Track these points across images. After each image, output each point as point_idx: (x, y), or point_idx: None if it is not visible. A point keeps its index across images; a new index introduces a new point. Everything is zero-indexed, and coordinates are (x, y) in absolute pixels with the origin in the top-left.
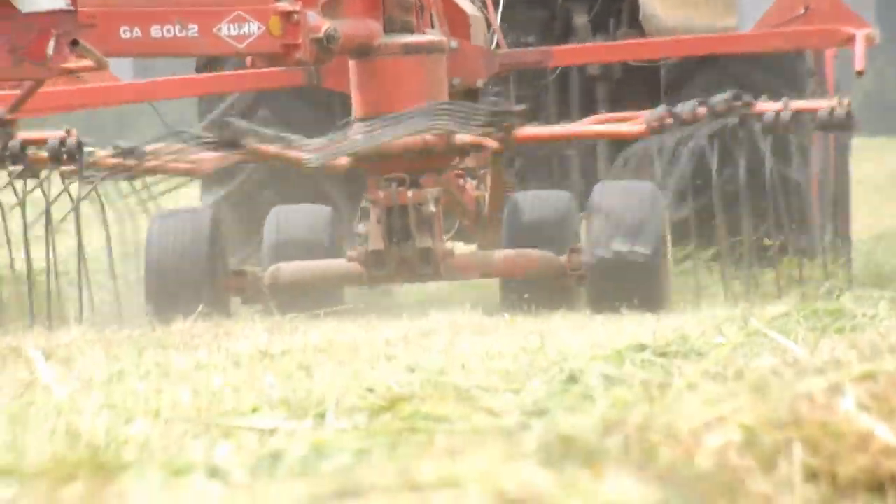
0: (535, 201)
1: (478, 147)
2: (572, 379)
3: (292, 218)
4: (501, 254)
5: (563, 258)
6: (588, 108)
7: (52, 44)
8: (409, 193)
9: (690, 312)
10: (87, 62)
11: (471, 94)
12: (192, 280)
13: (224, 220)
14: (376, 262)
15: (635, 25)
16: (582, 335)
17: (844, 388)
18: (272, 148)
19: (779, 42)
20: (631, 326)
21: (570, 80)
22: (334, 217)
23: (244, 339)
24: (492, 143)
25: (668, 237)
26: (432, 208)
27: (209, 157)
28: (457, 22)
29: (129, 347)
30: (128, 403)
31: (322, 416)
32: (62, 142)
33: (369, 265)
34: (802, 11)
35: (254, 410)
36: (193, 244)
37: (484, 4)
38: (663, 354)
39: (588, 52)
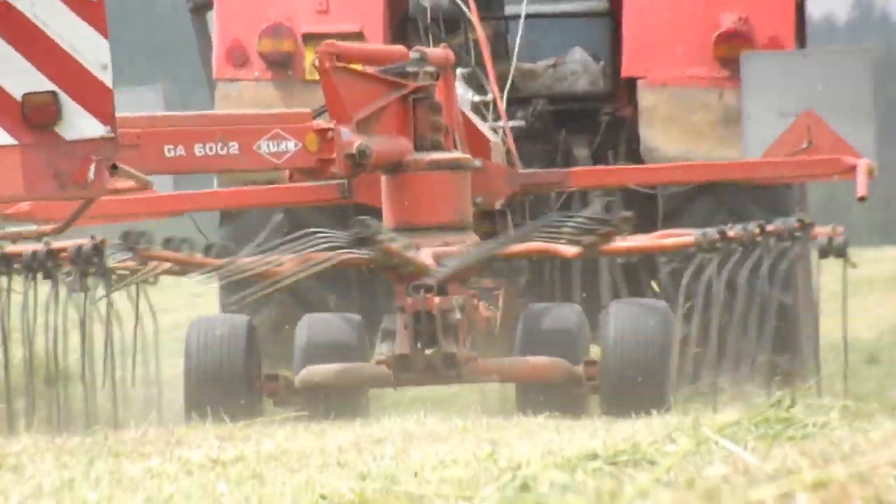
0: (548, 313)
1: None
2: (525, 487)
3: (323, 324)
4: (521, 360)
5: (579, 367)
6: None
7: (92, 168)
8: (437, 300)
9: (642, 420)
10: (131, 182)
11: (491, 215)
12: (229, 383)
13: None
14: (403, 366)
15: (633, 158)
16: (534, 442)
17: (796, 497)
18: (397, 246)
19: (788, 170)
20: (583, 434)
21: (573, 208)
22: (362, 324)
23: (196, 447)
24: (568, 252)
25: (676, 350)
26: (457, 315)
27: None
28: (478, 145)
29: (80, 455)
30: None
31: None
32: (79, 248)
33: (396, 368)
34: (806, 145)
35: None
36: (231, 349)
37: (504, 133)
38: (614, 463)
39: (605, 174)
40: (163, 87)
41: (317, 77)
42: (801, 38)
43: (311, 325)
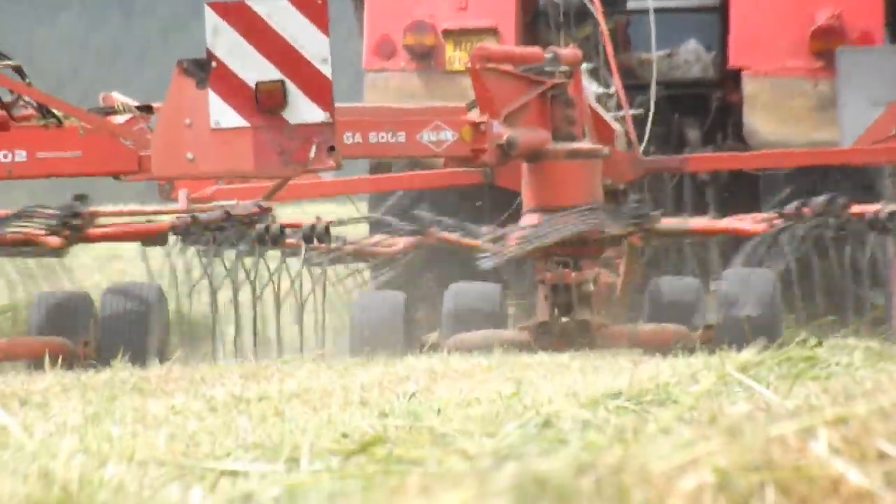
0: (671, 285)
1: (622, 239)
2: (547, 424)
3: (467, 292)
4: (647, 327)
5: (697, 332)
6: (699, 209)
7: (313, 149)
8: (573, 274)
9: (667, 361)
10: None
11: (616, 193)
12: (390, 347)
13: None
14: (543, 332)
15: (740, 139)
16: (558, 382)
17: (817, 432)
18: (454, 236)
19: (879, 157)
20: (607, 375)
21: (685, 186)
22: (502, 292)
23: (220, 385)
24: (635, 237)
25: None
26: (591, 287)
27: (400, 243)
28: (604, 134)
29: (104, 392)
30: (102, 447)
31: (296, 459)
32: (313, 227)
33: (537, 334)
34: (895, 132)
35: (228, 454)
36: (392, 318)
37: (625, 121)
38: (638, 402)
39: (718, 160)
40: None
41: (455, 67)
42: (894, 31)
43: (457, 294)
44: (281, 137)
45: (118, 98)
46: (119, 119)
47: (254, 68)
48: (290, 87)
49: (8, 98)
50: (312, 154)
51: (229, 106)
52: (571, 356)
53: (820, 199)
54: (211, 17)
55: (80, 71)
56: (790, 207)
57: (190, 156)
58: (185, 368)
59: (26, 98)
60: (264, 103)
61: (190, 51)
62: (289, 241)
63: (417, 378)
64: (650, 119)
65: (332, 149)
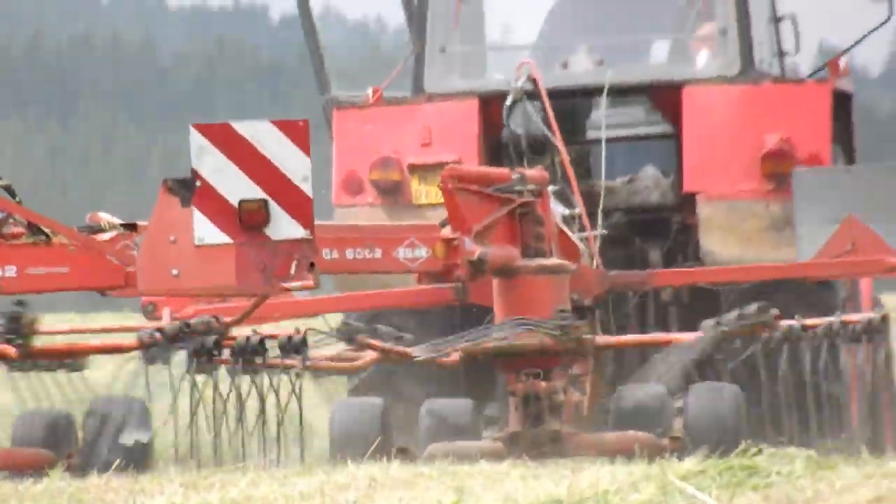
0: (637, 393)
1: (583, 352)
2: None
3: (442, 407)
4: (615, 435)
5: (665, 441)
6: (663, 327)
7: (294, 265)
8: (543, 384)
9: (607, 468)
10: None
11: (583, 309)
12: (367, 454)
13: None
14: (514, 442)
15: (699, 260)
16: (498, 491)
17: None
18: (386, 345)
19: (835, 270)
20: (548, 482)
21: (647, 304)
22: (473, 406)
23: (159, 494)
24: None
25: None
26: (561, 397)
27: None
28: (571, 252)
29: (42, 502)
30: None
31: None
32: (290, 338)
33: (509, 444)
34: (850, 247)
35: None
36: (370, 426)
37: (588, 241)
38: None
39: (679, 276)
40: None
41: (422, 201)
42: (848, 144)
43: (431, 411)
44: (263, 254)
45: (104, 217)
46: (105, 236)
47: (237, 187)
48: (273, 205)
49: None
50: (293, 270)
51: (213, 223)
52: (511, 464)
53: (752, 308)
54: (196, 137)
55: (20, 177)
56: (728, 317)
57: (175, 272)
58: (123, 478)
59: (17, 216)
60: (247, 221)
61: (131, 157)
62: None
63: (358, 486)
64: (597, 241)
65: (312, 265)
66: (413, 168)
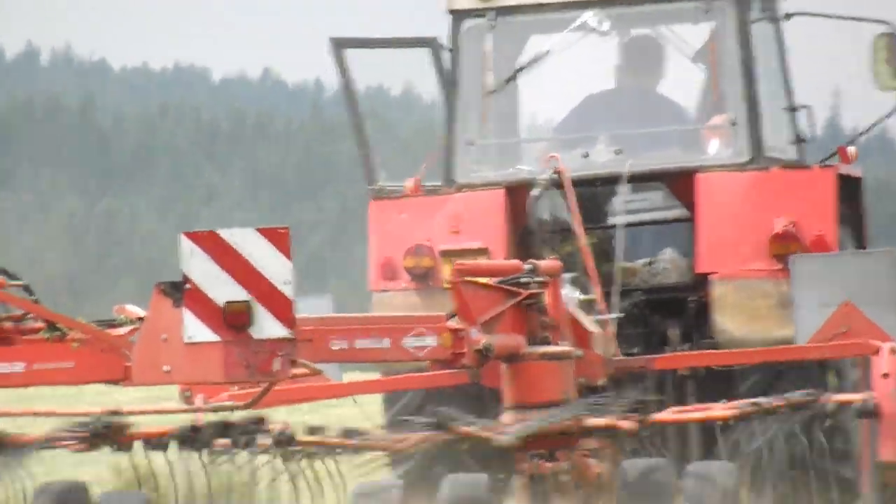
0: (642, 467)
1: (605, 431)
2: None
3: (459, 483)
4: None
5: None
6: (680, 401)
7: (277, 361)
8: (549, 465)
9: None
10: (305, 370)
11: (595, 389)
12: None
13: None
14: None
15: (713, 337)
16: None
17: None
18: (471, 429)
19: (826, 352)
20: None
21: (665, 379)
22: (488, 482)
23: None
24: (626, 426)
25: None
26: (565, 477)
27: (412, 438)
28: (582, 337)
29: None
30: None
31: None
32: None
33: None
34: (844, 329)
35: None
36: None
37: (604, 324)
38: None
39: (679, 359)
40: (331, 297)
41: None
42: (859, 227)
43: (451, 485)
44: (247, 351)
45: (130, 310)
46: (122, 330)
47: (223, 290)
48: (256, 306)
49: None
50: (276, 366)
51: (202, 323)
52: None
53: (797, 394)
54: (186, 244)
55: None
56: (765, 400)
57: (166, 368)
58: None
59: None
60: (232, 321)
61: (70, 220)
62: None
63: None
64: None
65: (293, 362)
66: (444, 254)
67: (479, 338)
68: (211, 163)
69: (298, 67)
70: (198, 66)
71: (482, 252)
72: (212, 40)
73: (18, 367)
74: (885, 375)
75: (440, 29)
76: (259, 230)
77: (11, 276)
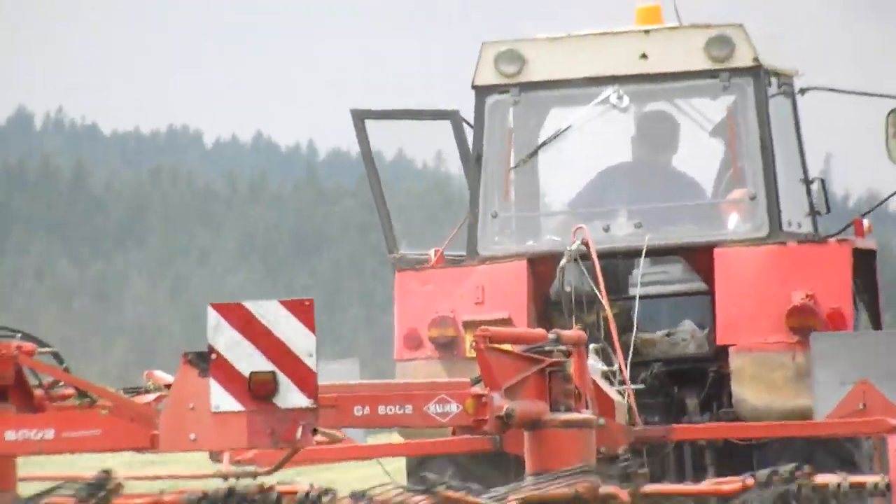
0: None
1: (613, 498)
2: None
3: None
4: None
5: None
6: (699, 471)
7: (300, 430)
8: None
9: None
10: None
11: (615, 458)
12: None
13: None
14: None
15: (731, 407)
16: None
17: None
18: (458, 495)
19: (842, 429)
20: None
21: (684, 449)
22: None
23: None
24: (624, 495)
25: None
26: None
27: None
28: (605, 406)
29: None
30: None
31: None
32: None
33: None
34: (861, 407)
35: None
36: None
37: (625, 394)
38: None
39: (697, 430)
40: (358, 361)
41: (474, 355)
42: (873, 299)
43: None
44: (272, 420)
45: (159, 376)
46: (148, 397)
47: (249, 361)
48: (281, 377)
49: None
50: (299, 435)
51: (227, 392)
52: None
53: (787, 468)
54: (213, 315)
55: None
56: (761, 473)
57: (193, 436)
58: None
59: (64, 381)
60: (257, 391)
61: (63, 285)
62: None
63: None
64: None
65: (315, 431)
66: (467, 324)
67: (502, 404)
68: (203, 226)
69: (290, 130)
70: (191, 129)
71: (505, 322)
72: (203, 103)
73: (49, 433)
74: None
75: (419, 91)
76: (282, 302)
77: (42, 344)
